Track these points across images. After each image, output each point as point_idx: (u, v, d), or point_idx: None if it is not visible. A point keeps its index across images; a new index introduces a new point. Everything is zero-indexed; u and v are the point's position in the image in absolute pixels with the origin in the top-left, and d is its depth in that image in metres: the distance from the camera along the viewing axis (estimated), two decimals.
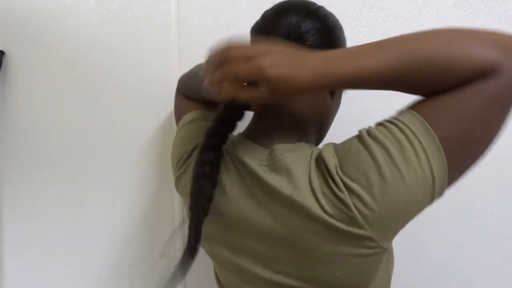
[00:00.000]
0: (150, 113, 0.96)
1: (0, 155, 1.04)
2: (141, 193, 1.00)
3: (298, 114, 0.56)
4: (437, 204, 0.89)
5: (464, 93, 0.40)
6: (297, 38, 0.52)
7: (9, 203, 1.05)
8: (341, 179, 0.45)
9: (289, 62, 0.43)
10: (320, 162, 0.48)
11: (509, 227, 0.88)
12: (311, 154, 0.50)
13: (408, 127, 0.43)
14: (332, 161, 0.47)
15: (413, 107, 0.45)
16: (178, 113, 0.77)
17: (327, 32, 0.54)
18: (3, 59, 0.99)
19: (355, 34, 0.88)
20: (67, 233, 1.03)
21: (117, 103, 0.97)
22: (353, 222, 0.44)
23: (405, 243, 0.90)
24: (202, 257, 0.98)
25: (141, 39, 0.95)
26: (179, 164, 0.63)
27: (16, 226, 1.05)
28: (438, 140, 0.41)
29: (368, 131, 0.46)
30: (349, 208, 0.44)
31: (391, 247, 0.56)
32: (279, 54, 0.44)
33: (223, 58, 0.45)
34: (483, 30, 0.40)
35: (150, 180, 0.99)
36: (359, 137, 0.47)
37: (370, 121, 0.93)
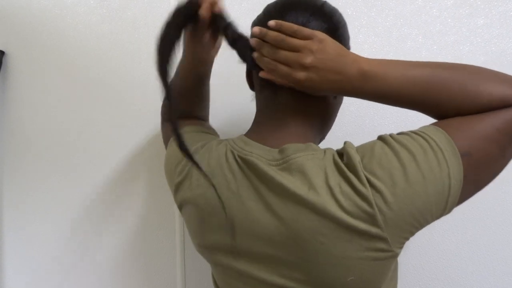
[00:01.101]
0: (150, 113, 0.96)
1: (0, 155, 1.04)
2: (141, 193, 1.00)
3: (302, 115, 0.56)
4: None
5: (486, 115, 0.46)
6: None
7: (9, 203, 1.05)
8: (365, 176, 0.45)
9: (326, 71, 0.49)
10: (338, 161, 0.48)
11: (509, 227, 0.88)
12: (324, 153, 0.50)
13: (432, 138, 0.45)
14: (357, 157, 0.47)
15: (436, 124, 0.49)
16: (167, 137, 0.74)
17: (332, 32, 0.54)
18: (3, 59, 0.99)
19: (355, 34, 0.88)
20: (67, 233, 1.03)
21: (117, 103, 0.97)
22: (371, 220, 0.44)
23: (405, 244, 0.90)
24: (202, 259, 0.98)
25: (141, 39, 0.95)
26: (178, 171, 0.60)
27: (16, 226, 1.05)
28: (459, 155, 0.44)
29: (392, 136, 0.49)
30: (370, 204, 0.44)
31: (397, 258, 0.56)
32: (325, 57, 0.49)
33: (274, 39, 0.51)
34: (501, 72, 0.48)
35: (150, 181, 0.99)
36: (382, 139, 0.49)
37: (370, 121, 0.93)
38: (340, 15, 0.58)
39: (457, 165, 0.44)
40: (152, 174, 0.99)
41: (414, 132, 0.48)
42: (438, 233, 0.90)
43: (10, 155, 1.03)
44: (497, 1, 0.84)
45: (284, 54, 0.50)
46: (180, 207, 0.62)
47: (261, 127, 0.58)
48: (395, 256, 0.49)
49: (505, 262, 0.89)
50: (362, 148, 0.49)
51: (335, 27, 0.55)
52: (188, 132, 0.66)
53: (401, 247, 0.49)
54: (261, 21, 0.56)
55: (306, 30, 0.50)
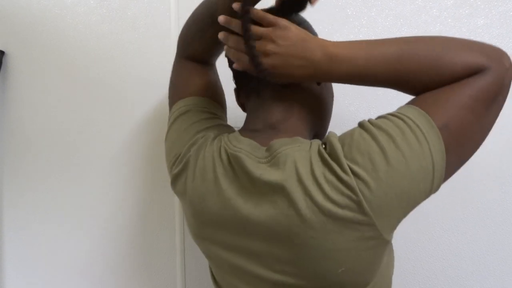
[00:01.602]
0: (149, 113, 0.96)
1: (0, 155, 1.04)
2: (141, 193, 1.00)
3: (289, 109, 0.57)
4: (437, 203, 0.89)
5: (457, 85, 0.46)
6: None
7: (9, 203, 1.05)
8: (347, 164, 0.46)
9: (290, 55, 0.49)
10: (322, 152, 0.48)
11: (509, 227, 0.88)
12: (310, 144, 0.51)
13: (408, 117, 0.46)
14: (336, 148, 0.47)
15: (411, 102, 0.49)
16: (173, 90, 0.71)
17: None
18: (3, 59, 0.99)
19: (355, 34, 0.88)
20: (67, 233, 1.03)
21: (116, 103, 0.97)
22: (357, 208, 0.45)
23: (405, 244, 0.90)
24: (202, 257, 0.98)
25: (141, 39, 0.95)
26: (176, 163, 0.61)
27: (16, 226, 1.05)
28: (437, 128, 0.44)
29: (370, 121, 0.49)
30: (354, 192, 0.44)
31: (391, 244, 0.56)
32: (287, 43, 0.49)
33: (238, 27, 0.51)
34: (472, 41, 0.48)
35: (150, 180, 0.99)
36: (361, 125, 0.49)
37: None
38: (310, 26, 0.61)
39: (437, 139, 0.45)
40: (152, 174, 0.99)
41: (390, 114, 0.48)
42: (438, 233, 0.90)
43: (10, 155, 1.03)
44: (497, 1, 0.84)
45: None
46: (178, 196, 0.63)
47: (251, 125, 0.59)
48: (385, 243, 0.49)
49: (505, 262, 0.89)
50: (343, 136, 0.49)
51: (298, 22, 0.57)
52: (192, 111, 0.65)
53: (391, 232, 0.49)
54: None
55: (270, 17, 0.51)
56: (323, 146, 0.50)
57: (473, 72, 0.46)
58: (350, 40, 0.51)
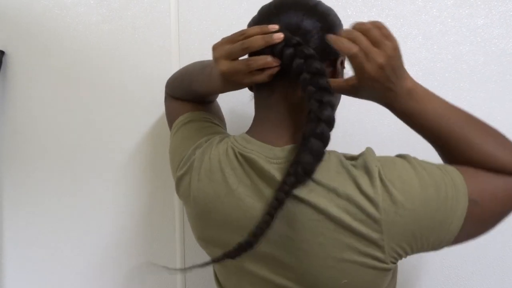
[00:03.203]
0: (149, 113, 0.96)
1: (0, 155, 1.04)
2: (141, 193, 1.00)
3: (300, 113, 0.56)
4: None
5: (497, 176, 0.49)
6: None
7: (9, 203, 1.05)
8: (381, 180, 0.47)
9: (391, 77, 0.48)
10: (346, 162, 0.49)
11: (509, 227, 0.88)
12: (328, 154, 0.51)
13: (450, 175, 0.48)
14: (377, 163, 0.49)
15: (454, 165, 0.51)
16: (171, 116, 0.73)
17: (326, 30, 0.53)
18: (3, 59, 0.99)
19: None
20: (67, 233, 1.03)
21: (116, 103, 0.97)
22: (373, 223, 0.46)
23: None
24: (202, 258, 0.98)
25: (141, 39, 0.95)
26: (180, 166, 0.61)
27: (16, 226, 1.05)
28: (467, 198, 0.47)
29: (414, 158, 0.51)
30: (376, 208, 0.46)
31: (396, 269, 0.57)
32: (393, 63, 0.48)
33: (365, 29, 0.49)
34: None
35: (150, 180, 0.99)
36: (404, 157, 0.51)
37: (370, 122, 0.93)
38: (335, 15, 0.57)
39: (464, 207, 0.47)
40: (152, 174, 0.99)
41: (434, 163, 0.51)
42: None
43: (10, 155, 1.03)
44: (497, 1, 0.84)
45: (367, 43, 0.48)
46: (182, 199, 0.63)
47: (261, 126, 0.57)
48: (387, 269, 0.49)
49: (505, 262, 0.89)
50: (383, 159, 0.51)
51: (330, 26, 0.54)
52: (194, 121, 0.66)
53: (393, 262, 0.49)
54: (256, 22, 0.56)
55: (389, 32, 0.49)
56: (348, 158, 0.51)
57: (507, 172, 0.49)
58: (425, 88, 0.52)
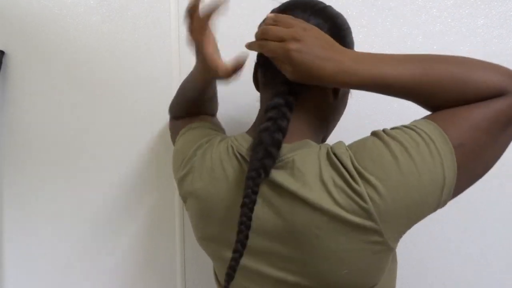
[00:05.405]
0: (150, 113, 0.96)
1: (0, 155, 1.04)
2: (141, 193, 1.00)
3: (302, 113, 0.56)
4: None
5: (476, 106, 0.46)
6: None
7: (9, 203, 1.05)
8: (356, 169, 0.46)
9: (316, 51, 0.47)
10: (331, 156, 0.49)
11: (509, 227, 0.88)
12: (319, 148, 0.51)
13: (424, 131, 0.46)
14: (345, 154, 0.48)
15: (427, 117, 0.48)
16: (175, 135, 0.74)
17: (333, 32, 0.54)
18: (3, 59, 0.99)
19: (355, 34, 0.87)
20: (66, 233, 1.03)
21: (117, 103, 0.97)
22: (365, 213, 0.45)
23: (405, 243, 0.90)
24: (202, 256, 0.98)
25: (141, 39, 0.95)
26: (181, 166, 0.62)
27: (16, 226, 1.05)
28: (451, 145, 0.45)
29: (384, 130, 0.49)
30: (363, 199, 0.45)
31: (395, 251, 0.56)
32: (310, 41, 0.48)
33: (264, 32, 0.50)
34: (494, 63, 0.48)
35: (150, 181, 0.99)
36: (375, 134, 0.49)
37: (370, 123, 0.93)
38: (344, 19, 0.58)
39: (450, 156, 0.45)
40: (152, 174, 0.99)
41: (405, 126, 0.48)
42: (438, 233, 0.90)
43: (10, 155, 1.03)
44: (497, 1, 0.84)
45: (271, 45, 0.50)
46: (184, 200, 0.63)
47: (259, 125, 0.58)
48: (390, 250, 0.49)
49: (505, 262, 0.89)
50: (355, 143, 0.50)
51: (337, 28, 0.55)
52: (196, 127, 0.68)
53: (396, 241, 0.49)
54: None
55: (288, 18, 0.50)
56: (333, 150, 0.50)
57: (497, 93, 0.46)
58: (370, 53, 0.50)
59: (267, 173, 0.49)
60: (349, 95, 0.65)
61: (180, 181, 0.62)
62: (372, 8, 0.88)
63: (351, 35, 0.60)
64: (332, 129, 0.65)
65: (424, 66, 0.47)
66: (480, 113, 0.46)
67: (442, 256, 0.91)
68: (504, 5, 0.84)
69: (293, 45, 0.47)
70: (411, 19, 0.87)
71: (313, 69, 0.47)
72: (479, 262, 0.90)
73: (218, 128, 0.72)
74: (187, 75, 0.74)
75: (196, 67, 0.65)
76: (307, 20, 0.53)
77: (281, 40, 0.48)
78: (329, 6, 0.57)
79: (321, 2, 0.57)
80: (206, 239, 0.60)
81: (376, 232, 0.46)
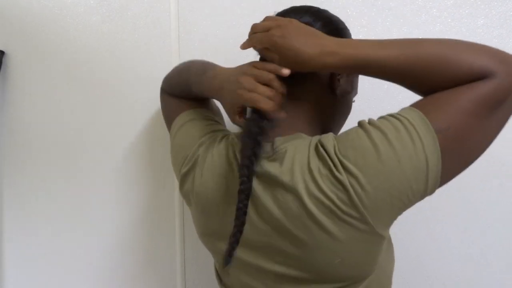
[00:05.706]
0: (150, 113, 0.96)
1: (0, 155, 1.04)
2: (141, 193, 1.00)
3: (298, 108, 0.57)
4: (437, 204, 0.89)
5: (460, 89, 0.45)
6: None
7: (9, 203, 1.05)
8: (338, 159, 0.47)
9: (300, 37, 0.49)
10: (319, 147, 0.49)
11: (509, 227, 0.88)
12: (310, 140, 0.52)
13: (406, 118, 0.46)
14: (330, 144, 0.49)
15: (413, 104, 0.49)
16: (168, 112, 0.74)
17: (329, 29, 0.56)
18: (3, 59, 0.99)
19: (355, 34, 0.88)
20: (66, 233, 1.03)
21: (116, 103, 0.97)
22: (349, 201, 0.46)
23: (405, 243, 0.90)
24: (202, 256, 0.98)
25: (141, 39, 0.95)
26: (184, 163, 0.63)
27: (16, 226, 1.05)
28: (433, 130, 0.44)
29: (369, 120, 0.49)
30: (345, 187, 0.46)
31: (389, 238, 0.57)
32: (293, 28, 0.50)
33: (253, 27, 0.54)
34: (482, 44, 0.47)
35: (150, 180, 0.99)
36: (359, 124, 0.50)
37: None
38: (339, 20, 0.61)
39: (432, 140, 0.44)
40: (152, 173, 0.99)
41: (389, 114, 0.48)
42: (438, 233, 0.90)
43: (10, 155, 1.03)
44: (497, 1, 0.84)
45: (258, 36, 0.53)
46: (185, 196, 0.64)
47: None
48: (381, 238, 0.50)
49: (505, 262, 0.89)
50: (341, 134, 0.51)
51: (337, 33, 0.57)
52: (195, 119, 0.67)
53: (386, 229, 0.50)
54: None
55: (277, 17, 0.53)
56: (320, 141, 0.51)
57: (483, 75, 0.44)
58: (352, 40, 0.51)
59: (257, 157, 0.50)
60: (353, 98, 0.65)
61: (183, 178, 0.63)
62: (372, 8, 0.88)
63: (350, 36, 0.61)
64: (337, 129, 0.65)
65: (411, 48, 0.47)
66: (465, 96, 0.45)
67: (442, 256, 0.91)
68: (504, 5, 0.84)
69: (277, 32, 0.50)
70: (411, 19, 0.87)
71: (298, 53, 0.49)
72: (479, 262, 0.90)
73: (216, 114, 0.73)
74: (197, 61, 0.72)
75: (212, 86, 0.61)
76: (299, 19, 0.54)
77: (267, 30, 0.51)
78: (325, 10, 0.59)
79: (316, 7, 0.59)
80: (208, 235, 0.62)
81: (362, 221, 0.47)
